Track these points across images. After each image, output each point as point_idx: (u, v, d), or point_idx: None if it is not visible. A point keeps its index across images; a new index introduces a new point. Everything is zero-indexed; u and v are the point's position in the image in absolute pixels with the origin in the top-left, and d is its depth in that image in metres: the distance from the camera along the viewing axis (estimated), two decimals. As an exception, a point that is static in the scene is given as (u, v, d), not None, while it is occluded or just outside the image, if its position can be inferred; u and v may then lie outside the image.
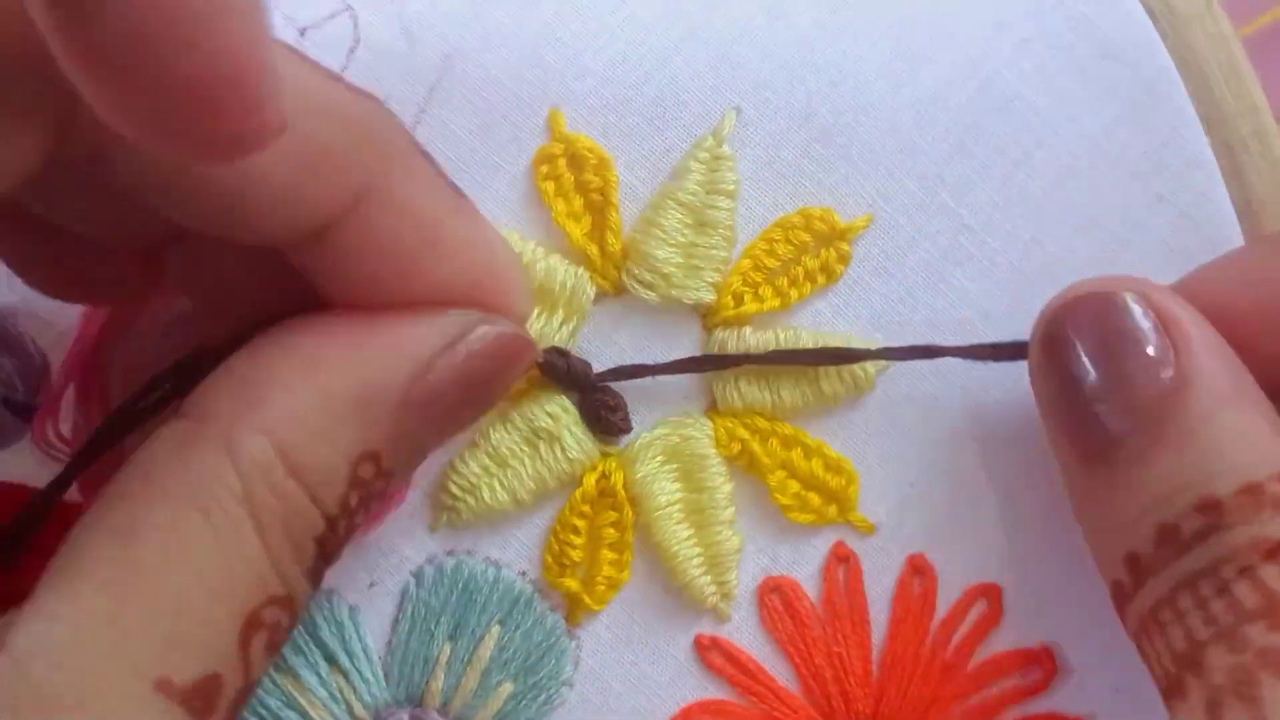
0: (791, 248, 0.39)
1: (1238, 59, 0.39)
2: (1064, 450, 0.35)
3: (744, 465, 0.39)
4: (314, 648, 0.38)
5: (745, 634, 0.39)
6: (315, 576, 0.30)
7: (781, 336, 0.39)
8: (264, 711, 0.37)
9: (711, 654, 0.39)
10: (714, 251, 0.38)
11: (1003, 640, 0.39)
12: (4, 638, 0.26)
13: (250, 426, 0.28)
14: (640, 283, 0.38)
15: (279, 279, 0.31)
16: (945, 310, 0.39)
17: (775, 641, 0.39)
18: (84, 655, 0.26)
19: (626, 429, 0.39)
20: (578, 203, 0.38)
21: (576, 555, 0.38)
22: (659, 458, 0.38)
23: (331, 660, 0.38)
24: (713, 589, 0.38)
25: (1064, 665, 0.39)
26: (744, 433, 0.39)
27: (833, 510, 0.39)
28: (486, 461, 0.38)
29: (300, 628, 0.38)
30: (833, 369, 0.39)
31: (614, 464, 0.39)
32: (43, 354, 0.37)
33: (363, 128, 0.29)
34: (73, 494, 0.37)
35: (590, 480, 0.39)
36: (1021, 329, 0.36)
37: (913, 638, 0.39)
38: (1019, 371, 0.36)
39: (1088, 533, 0.35)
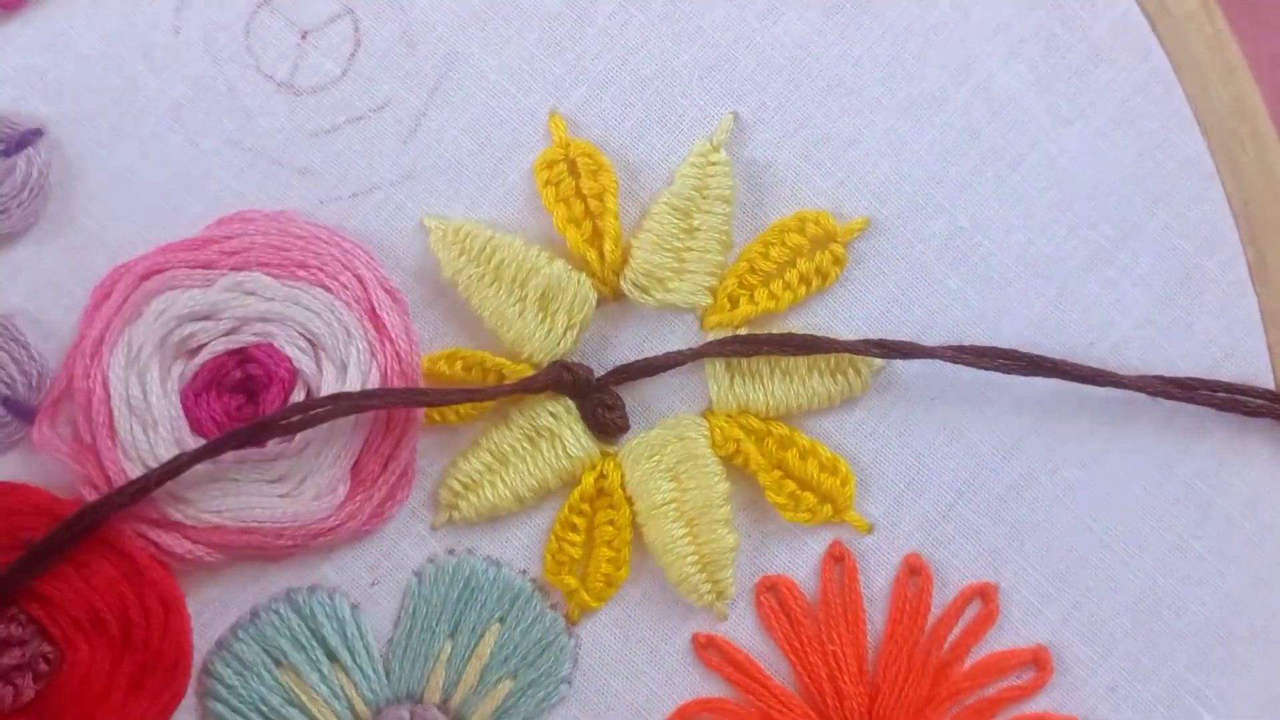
0: (787, 250, 0.39)
1: (1234, 59, 0.39)
2: None
3: (740, 465, 0.39)
4: (316, 645, 0.38)
5: (742, 632, 0.39)
6: None
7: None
8: (266, 709, 0.38)
9: (708, 652, 0.39)
10: (710, 255, 0.39)
11: (999, 640, 0.39)
12: None
13: None
14: (637, 287, 0.39)
15: None
16: (939, 311, 0.39)
17: (772, 640, 0.39)
18: None
19: (625, 428, 0.39)
20: (577, 208, 0.39)
21: (575, 553, 0.39)
22: (655, 457, 0.39)
23: (333, 657, 0.38)
24: (708, 587, 0.39)
25: (1060, 665, 0.39)
26: (740, 433, 0.39)
27: (828, 509, 0.39)
28: (488, 459, 0.39)
29: (302, 625, 0.38)
30: (827, 371, 0.39)
31: (612, 463, 0.39)
32: (43, 355, 0.38)
33: None
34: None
35: (589, 479, 0.39)
36: (1014, 330, 0.36)
37: (908, 636, 0.39)
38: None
39: None
